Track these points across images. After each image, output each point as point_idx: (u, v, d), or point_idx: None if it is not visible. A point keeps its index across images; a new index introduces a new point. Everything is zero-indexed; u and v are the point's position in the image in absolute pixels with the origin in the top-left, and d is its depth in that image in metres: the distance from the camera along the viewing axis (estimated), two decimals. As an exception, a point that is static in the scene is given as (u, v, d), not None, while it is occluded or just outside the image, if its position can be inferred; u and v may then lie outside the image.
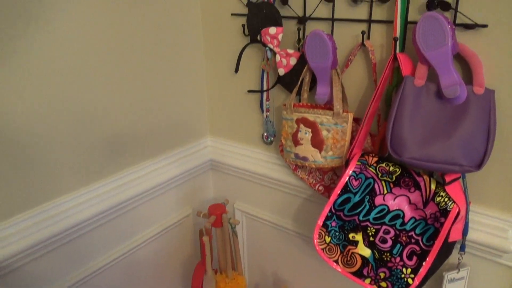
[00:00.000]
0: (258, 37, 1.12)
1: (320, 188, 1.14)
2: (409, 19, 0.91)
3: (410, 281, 0.89)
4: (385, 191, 0.95)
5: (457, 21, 0.85)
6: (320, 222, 0.98)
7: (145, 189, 1.21)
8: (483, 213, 0.94)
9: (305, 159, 1.05)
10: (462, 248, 0.93)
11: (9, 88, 0.88)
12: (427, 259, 0.89)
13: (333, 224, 0.99)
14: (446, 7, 0.85)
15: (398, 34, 0.90)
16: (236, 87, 1.31)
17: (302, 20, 1.07)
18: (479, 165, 0.83)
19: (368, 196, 0.96)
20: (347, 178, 0.97)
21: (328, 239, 0.98)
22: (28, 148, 0.94)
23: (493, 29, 0.82)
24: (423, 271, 0.89)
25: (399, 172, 0.94)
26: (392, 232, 0.93)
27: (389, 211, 0.94)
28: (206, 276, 1.27)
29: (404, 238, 0.92)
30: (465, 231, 0.92)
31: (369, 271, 0.94)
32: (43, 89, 0.94)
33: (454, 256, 0.97)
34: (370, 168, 0.96)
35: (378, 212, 0.95)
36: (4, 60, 0.86)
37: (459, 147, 0.82)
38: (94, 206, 1.08)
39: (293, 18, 1.09)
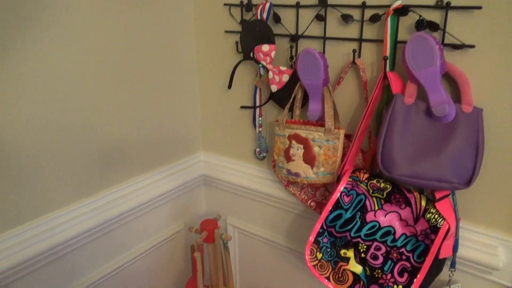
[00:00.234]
0: (251, 54, 1.14)
1: (312, 204, 1.14)
2: (399, 38, 0.93)
3: (401, 298, 0.90)
4: (376, 208, 0.95)
5: (445, 41, 0.87)
6: (311, 238, 0.99)
7: (136, 205, 1.20)
8: (473, 230, 0.95)
9: (297, 175, 1.05)
10: (453, 265, 0.93)
11: None
12: (418, 276, 0.89)
13: (325, 240, 0.99)
14: (434, 27, 0.87)
15: (388, 53, 0.91)
16: (229, 103, 1.32)
17: (294, 38, 1.09)
18: (468, 182, 0.84)
19: (359, 213, 0.96)
20: (339, 194, 0.98)
21: (319, 256, 0.98)
22: (16, 163, 0.93)
23: (480, 49, 0.84)
24: (414, 288, 0.89)
25: (390, 188, 0.95)
26: (383, 249, 0.94)
27: (380, 228, 0.94)
28: (197, 293, 1.26)
29: (395, 255, 0.92)
30: (455, 248, 0.92)
31: (361, 288, 0.94)
32: (32, 103, 0.94)
33: (444, 273, 0.97)
34: (362, 185, 0.97)
35: (369, 229, 0.95)
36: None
37: (449, 164, 0.83)
38: (86, 221, 1.08)
39: (285, 36, 1.11)
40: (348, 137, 1.06)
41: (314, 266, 0.99)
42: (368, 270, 0.94)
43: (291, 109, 1.12)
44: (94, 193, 1.12)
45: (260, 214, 1.36)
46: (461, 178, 0.84)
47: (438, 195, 0.90)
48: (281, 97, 1.14)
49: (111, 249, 1.19)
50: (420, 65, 0.84)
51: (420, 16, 0.88)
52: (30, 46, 0.91)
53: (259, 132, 1.25)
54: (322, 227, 0.99)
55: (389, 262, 0.92)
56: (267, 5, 1.08)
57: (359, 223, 0.96)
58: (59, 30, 0.95)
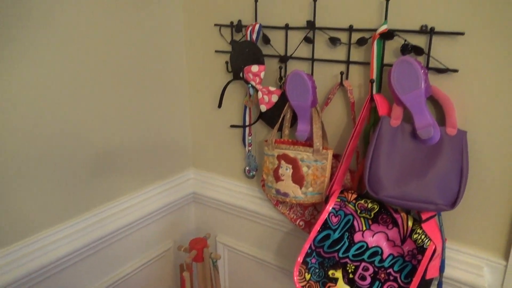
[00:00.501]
0: (241, 74, 1.15)
1: (301, 223, 1.15)
2: (385, 61, 0.95)
3: (389, 319, 0.90)
4: (364, 228, 0.96)
5: (430, 65, 0.89)
6: (300, 259, 0.99)
7: (125, 224, 1.20)
8: (459, 250, 0.96)
9: (286, 195, 1.06)
10: (439, 285, 0.94)
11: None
12: (406, 296, 0.89)
13: (313, 260, 0.99)
14: (419, 51, 0.89)
15: (374, 76, 0.93)
16: (219, 122, 1.32)
17: (283, 59, 1.11)
18: (453, 204, 0.85)
19: (347, 233, 0.97)
20: (327, 215, 0.98)
21: (308, 276, 0.99)
22: None
23: (463, 74, 0.86)
24: (401, 309, 0.89)
25: (377, 209, 0.95)
26: (371, 269, 0.94)
27: (368, 248, 0.95)
28: (186, 313, 1.25)
29: (382, 275, 0.93)
30: (441, 268, 0.93)
31: (349, 309, 0.94)
32: (13, 120, 0.93)
33: (432, 293, 0.98)
34: (349, 205, 0.98)
35: (357, 249, 0.96)
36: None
37: (434, 186, 0.85)
38: (74, 241, 1.07)
39: (275, 56, 1.13)
40: (336, 157, 1.08)
41: (302, 287, 0.99)
42: (356, 290, 0.94)
43: (280, 129, 1.13)
44: (82, 213, 1.11)
45: (250, 232, 1.36)
46: (446, 199, 0.85)
47: (424, 216, 0.91)
48: (270, 117, 1.16)
49: (99, 268, 1.18)
50: (406, 89, 0.85)
51: (405, 40, 0.90)
52: (18, 52, 0.91)
53: (248, 151, 1.26)
54: (310, 247, 0.99)
55: (377, 282, 0.93)
56: (257, 26, 1.10)
57: (347, 243, 0.97)
58: (49, 38, 0.96)
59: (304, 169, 1.03)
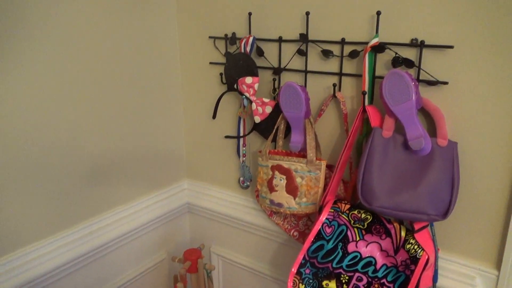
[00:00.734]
0: (235, 86, 1.16)
1: (295, 234, 1.15)
2: (377, 73, 0.96)
3: (382, 329, 0.90)
4: (358, 238, 0.97)
5: (421, 78, 0.91)
6: (294, 270, 0.99)
7: (119, 235, 1.19)
8: (451, 260, 0.97)
9: (280, 205, 1.06)
10: (433, 295, 0.95)
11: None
12: (399, 307, 0.90)
13: (307, 271, 0.99)
14: (409, 64, 0.91)
15: (366, 88, 0.95)
16: (213, 132, 1.33)
17: (277, 71, 1.12)
18: (445, 214, 0.86)
19: (341, 243, 0.98)
20: (321, 225, 0.99)
21: (302, 287, 0.99)
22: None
23: (453, 86, 0.88)
24: (395, 319, 0.90)
25: (371, 219, 0.96)
26: (365, 280, 0.94)
27: (361, 258, 0.95)
28: (180, 324, 1.24)
29: (376, 286, 0.93)
30: (435, 279, 0.94)
31: (343, 320, 0.94)
32: (4, 130, 0.93)
33: (425, 303, 0.98)
34: (343, 215, 0.98)
35: (351, 259, 0.96)
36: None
37: (426, 196, 0.86)
38: (66, 253, 1.06)
39: (268, 68, 1.14)
40: (329, 167, 1.08)
41: (296, 297, 0.99)
42: (350, 301, 0.95)
43: (274, 140, 1.14)
44: (74, 224, 1.11)
45: (244, 242, 1.36)
46: (438, 210, 0.86)
47: (417, 226, 0.91)
48: (264, 128, 1.17)
49: (92, 280, 1.17)
50: (397, 100, 0.87)
51: (396, 53, 0.92)
52: (10, 62, 0.91)
53: (243, 161, 1.26)
54: (304, 258, 0.99)
55: (371, 293, 0.93)
56: (251, 39, 1.11)
57: (340, 253, 0.97)
58: (44, 47, 0.97)
59: (298, 179, 1.04)
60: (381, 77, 0.94)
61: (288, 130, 1.12)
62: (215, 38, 1.23)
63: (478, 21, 0.82)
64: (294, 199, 1.05)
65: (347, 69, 1.01)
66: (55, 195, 1.05)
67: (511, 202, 0.87)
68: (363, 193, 0.92)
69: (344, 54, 1.00)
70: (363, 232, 0.96)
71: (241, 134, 1.24)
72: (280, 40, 1.10)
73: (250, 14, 1.13)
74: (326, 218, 0.99)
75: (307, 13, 1.03)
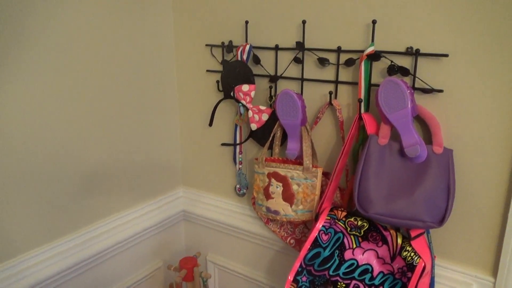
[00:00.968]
0: (232, 94, 1.17)
1: (292, 241, 1.15)
2: (372, 81, 0.97)
3: (380, 337, 0.90)
4: (354, 245, 0.97)
5: (416, 86, 0.92)
6: (290, 277, 0.99)
7: (114, 243, 1.19)
8: (448, 268, 0.97)
9: (276, 213, 1.06)
10: (430, 303, 0.94)
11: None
12: (396, 314, 0.90)
13: (304, 279, 0.99)
14: (405, 72, 0.91)
15: (362, 95, 0.95)
16: (210, 140, 1.33)
17: (273, 79, 1.13)
18: (441, 221, 0.86)
19: (337, 251, 0.97)
20: (317, 232, 0.99)
21: (298, 295, 0.98)
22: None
23: (448, 94, 0.89)
24: (392, 327, 0.89)
25: (367, 226, 0.96)
26: (362, 287, 0.94)
27: (358, 266, 0.95)
28: (175, 333, 1.23)
29: (373, 293, 0.93)
30: (431, 286, 0.94)
31: (340, 328, 0.94)
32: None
33: (422, 311, 0.98)
34: (339, 223, 0.98)
35: (347, 267, 0.96)
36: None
37: (422, 203, 0.86)
38: (58, 263, 1.05)
39: (265, 76, 1.15)
40: (326, 175, 1.09)
41: (293, 305, 0.98)
42: (347, 309, 0.94)
43: (270, 147, 1.14)
44: (69, 233, 1.10)
45: (241, 250, 1.35)
46: (434, 217, 0.86)
47: (413, 233, 0.92)
48: (260, 136, 1.17)
49: (87, 289, 1.16)
50: (392, 108, 0.87)
51: (391, 61, 0.93)
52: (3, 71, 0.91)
53: (239, 169, 1.26)
54: (301, 265, 0.99)
55: (368, 301, 0.93)
56: (247, 47, 1.12)
57: (337, 261, 0.97)
58: (40, 53, 0.97)
59: (294, 187, 1.04)
60: (377, 85, 0.95)
61: (284, 137, 1.12)
62: (212, 46, 1.24)
63: (473, 30, 0.83)
64: (291, 206, 1.04)
65: (343, 77, 1.02)
66: (50, 203, 1.04)
67: (507, 209, 0.87)
68: (360, 200, 0.92)
69: (340, 62, 1.01)
70: (360, 239, 0.96)
71: (238, 142, 1.24)
72: (276, 48, 1.10)
73: (247, 22, 1.14)
74: (323, 226, 0.99)
75: (304, 22, 1.04)
